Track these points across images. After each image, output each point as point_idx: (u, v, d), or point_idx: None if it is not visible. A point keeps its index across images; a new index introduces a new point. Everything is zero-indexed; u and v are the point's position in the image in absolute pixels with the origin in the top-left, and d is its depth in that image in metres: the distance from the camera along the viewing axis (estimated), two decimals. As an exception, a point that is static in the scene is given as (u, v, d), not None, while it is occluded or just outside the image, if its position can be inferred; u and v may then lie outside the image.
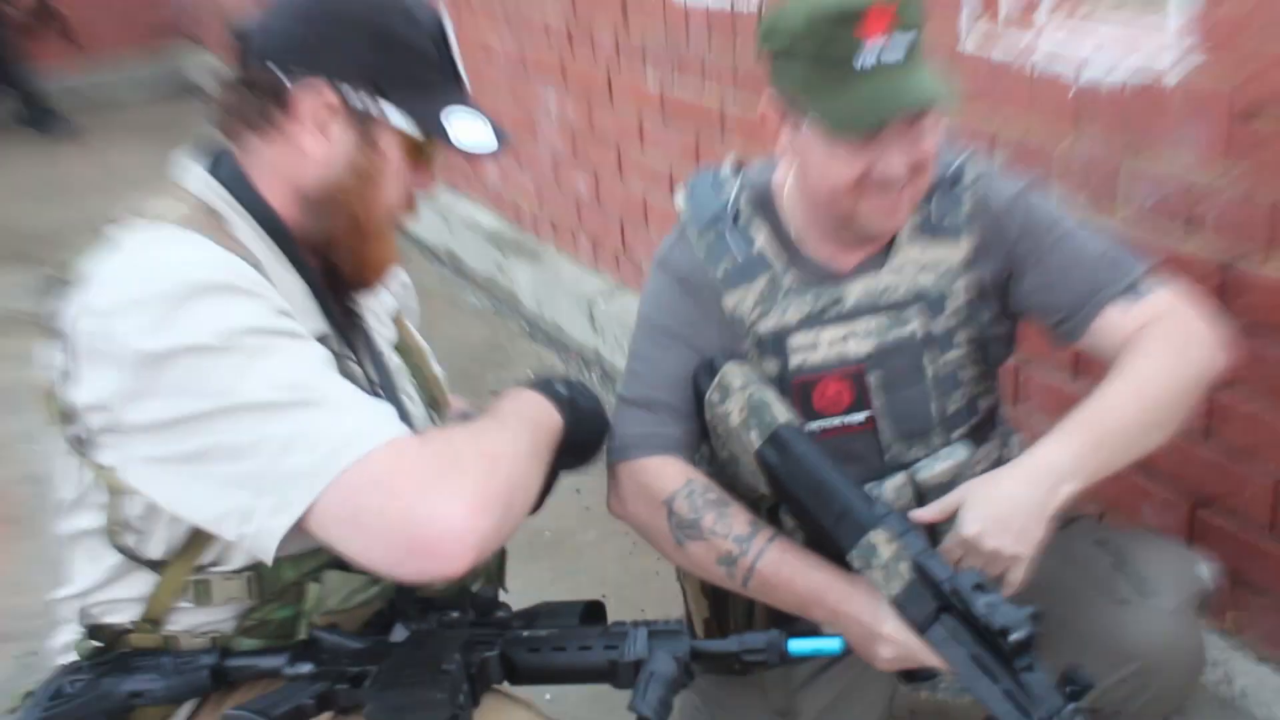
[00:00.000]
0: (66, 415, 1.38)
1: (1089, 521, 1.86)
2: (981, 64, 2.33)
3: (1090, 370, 2.28)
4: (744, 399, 1.68)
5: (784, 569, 1.61)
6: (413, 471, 1.23)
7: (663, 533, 1.68)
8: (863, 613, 1.56)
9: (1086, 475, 1.57)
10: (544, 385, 1.59)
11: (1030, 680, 1.41)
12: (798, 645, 1.45)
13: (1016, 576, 1.55)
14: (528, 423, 1.48)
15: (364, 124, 1.43)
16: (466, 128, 1.46)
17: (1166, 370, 1.63)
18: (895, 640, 1.53)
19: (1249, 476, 2.05)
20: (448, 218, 5.00)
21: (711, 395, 1.71)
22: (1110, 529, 1.85)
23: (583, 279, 4.14)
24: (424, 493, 1.22)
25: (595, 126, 3.90)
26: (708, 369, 1.74)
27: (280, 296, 1.37)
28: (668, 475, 1.69)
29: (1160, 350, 1.65)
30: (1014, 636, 1.40)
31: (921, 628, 1.51)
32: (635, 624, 1.46)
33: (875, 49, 1.53)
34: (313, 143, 1.43)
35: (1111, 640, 1.67)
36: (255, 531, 1.26)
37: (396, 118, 1.43)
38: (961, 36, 2.36)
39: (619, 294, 3.89)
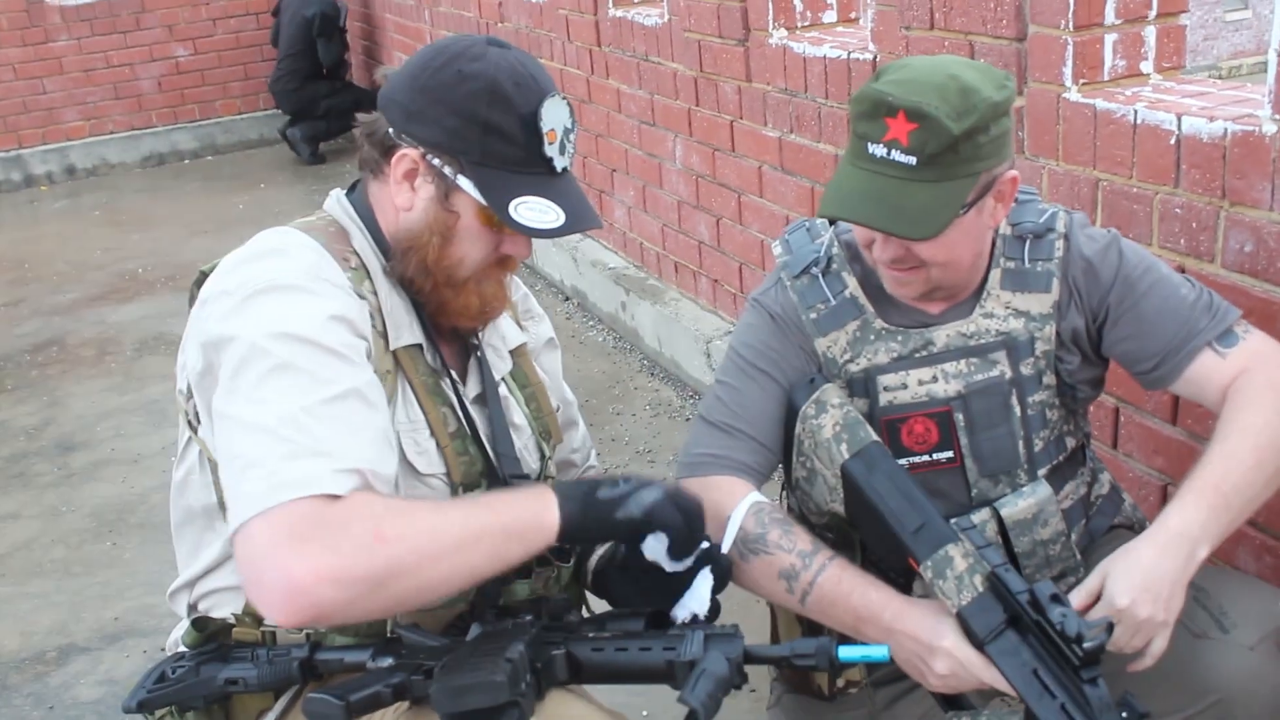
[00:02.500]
0: (184, 393, 1.58)
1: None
2: (1085, 111, 2.38)
3: (1189, 413, 2.30)
4: (840, 415, 1.75)
5: (843, 585, 1.65)
6: (292, 529, 1.31)
7: (725, 548, 1.72)
8: (920, 629, 1.59)
9: (1217, 537, 1.60)
10: (574, 487, 1.53)
11: (1092, 694, 1.45)
12: (847, 651, 1.46)
13: (1161, 645, 1.58)
14: (493, 520, 1.45)
15: (442, 187, 1.58)
16: (533, 208, 1.56)
17: (1275, 419, 1.66)
18: (953, 655, 1.56)
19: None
20: (576, 258, 5.15)
21: (807, 409, 1.77)
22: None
23: (701, 319, 4.25)
24: (287, 549, 1.30)
25: (718, 173, 4.02)
26: (807, 385, 1.80)
27: (360, 304, 1.54)
28: (735, 493, 1.75)
29: (1265, 399, 1.67)
30: (1088, 644, 1.44)
31: (983, 641, 1.55)
32: (694, 627, 1.51)
33: (893, 143, 1.61)
34: (400, 194, 1.60)
35: (1190, 673, 1.69)
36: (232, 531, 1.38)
37: (470, 188, 1.56)
38: (1066, 84, 2.42)
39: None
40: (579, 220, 1.58)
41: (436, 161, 1.56)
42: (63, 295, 6.02)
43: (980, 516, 1.80)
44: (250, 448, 1.37)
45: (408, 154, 1.57)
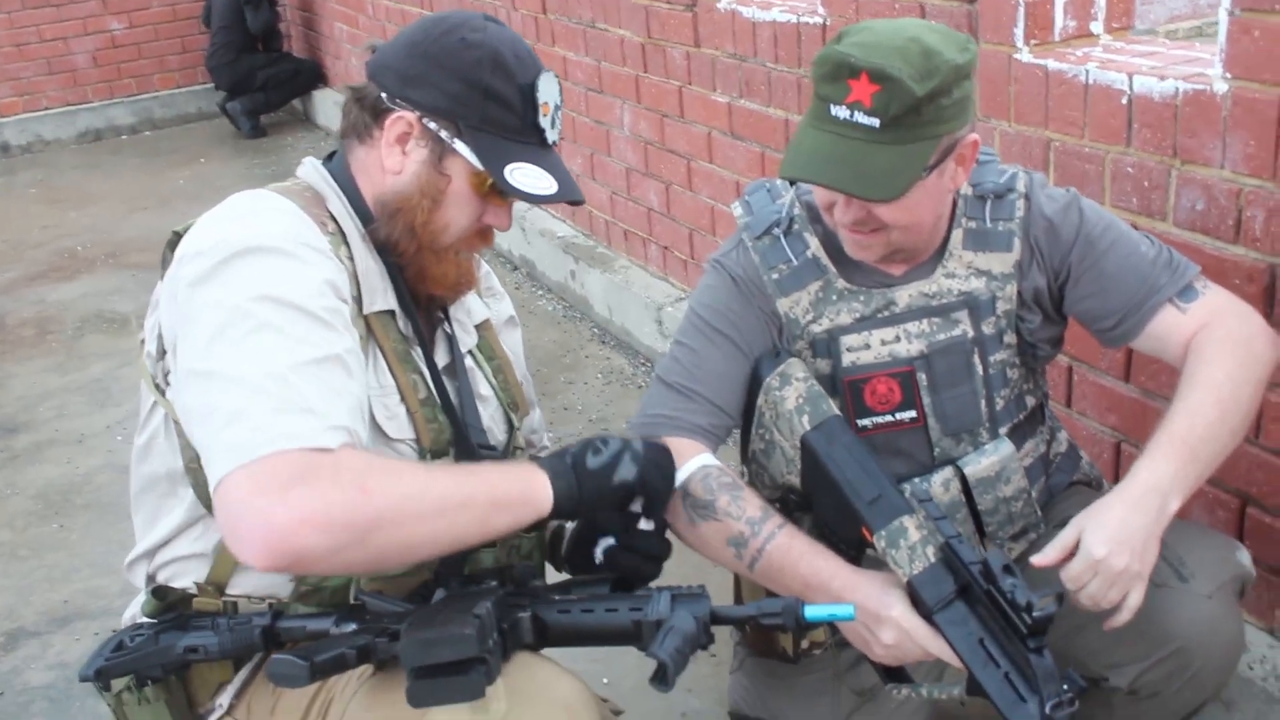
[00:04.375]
0: (154, 355, 1.56)
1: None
2: (1036, 72, 2.39)
3: (1142, 371, 2.32)
4: (804, 388, 1.76)
5: (792, 553, 1.67)
6: (277, 478, 1.30)
7: (675, 510, 1.73)
8: (868, 599, 1.60)
9: (1186, 489, 1.63)
10: (560, 462, 1.57)
11: (1037, 663, 1.47)
12: (813, 610, 1.47)
13: (1137, 599, 1.60)
14: (481, 489, 1.47)
15: (436, 150, 1.59)
16: (527, 173, 1.59)
17: (1237, 371, 1.68)
18: (900, 625, 1.58)
19: (1295, 474, 2.08)
20: (524, 227, 5.11)
21: (771, 380, 1.78)
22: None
23: (652, 286, 4.24)
24: (271, 495, 1.29)
25: (667, 139, 4.00)
26: (773, 357, 1.81)
27: (339, 268, 1.52)
28: (685, 455, 1.75)
29: (1226, 353, 1.70)
30: (1037, 613, 1.45)
31: (932, 611, 1.56)
32: (659, 589, 1.51)
33: (856, 105, 1.60)
34: (390, 156, 1.61)
35: (1150, 622, 1.71)
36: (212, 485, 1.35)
37: (464, 151, 1.58)
38: (1017, 45, 2.43)
39: (687, 300, 3.97)
40: (568, 190, 1.62)
41: (433, 125, 1.59)
42: (0, 275, 5.90)
43: (944, 475, 1.82)
44: (234, 400, 1.35)
45: (404, 117, 1.59)
